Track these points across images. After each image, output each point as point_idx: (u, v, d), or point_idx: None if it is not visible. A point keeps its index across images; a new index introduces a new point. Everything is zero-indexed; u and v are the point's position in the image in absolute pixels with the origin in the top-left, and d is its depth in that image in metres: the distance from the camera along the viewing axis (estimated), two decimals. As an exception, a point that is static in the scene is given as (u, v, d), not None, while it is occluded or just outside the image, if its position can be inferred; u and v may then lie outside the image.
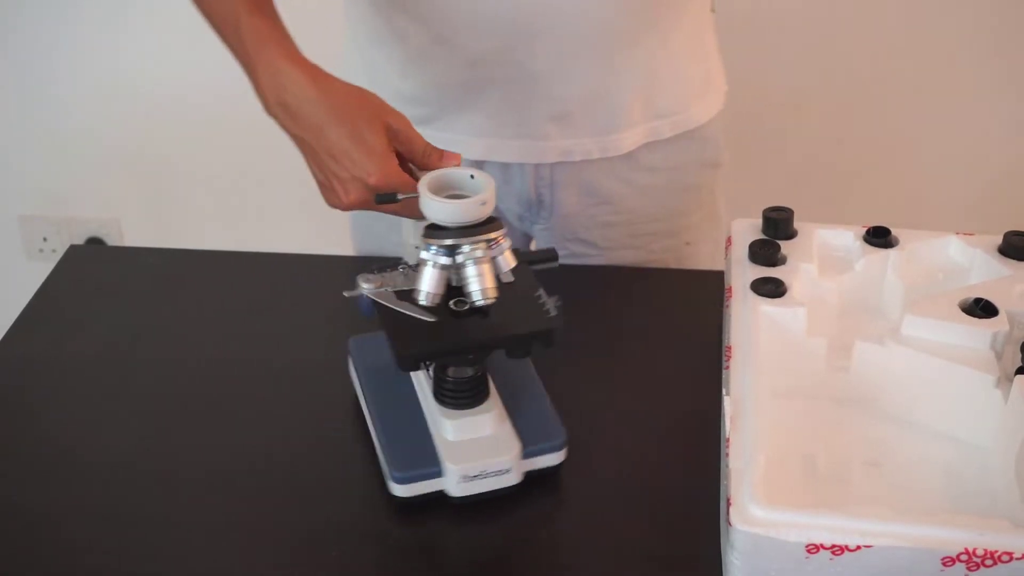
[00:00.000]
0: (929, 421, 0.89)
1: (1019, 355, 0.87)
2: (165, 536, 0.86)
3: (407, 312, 0.85)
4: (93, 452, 0.94)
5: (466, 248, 0.81)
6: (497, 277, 0.83)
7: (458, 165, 0.87)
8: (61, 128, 2.09)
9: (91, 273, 1.21)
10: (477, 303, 0.82)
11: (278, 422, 0.97)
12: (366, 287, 0.86)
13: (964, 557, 0.71)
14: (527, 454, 0.88)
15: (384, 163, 0.85)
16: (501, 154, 1.14)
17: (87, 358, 1.06)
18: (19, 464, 0.93)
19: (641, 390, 1.01)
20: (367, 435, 0.94)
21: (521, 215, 1.22)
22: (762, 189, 1.97)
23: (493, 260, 0.83)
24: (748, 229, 1.04)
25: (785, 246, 1.00)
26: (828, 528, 0.72)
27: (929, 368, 0.87)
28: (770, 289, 0.94)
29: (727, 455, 0.79)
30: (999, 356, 0.87)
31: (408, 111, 0.90)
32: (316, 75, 0.87)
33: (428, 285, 0.82)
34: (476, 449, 0.87)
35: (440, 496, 0.87)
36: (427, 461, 0.86)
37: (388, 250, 1.18)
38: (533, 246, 1.26)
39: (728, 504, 0.75)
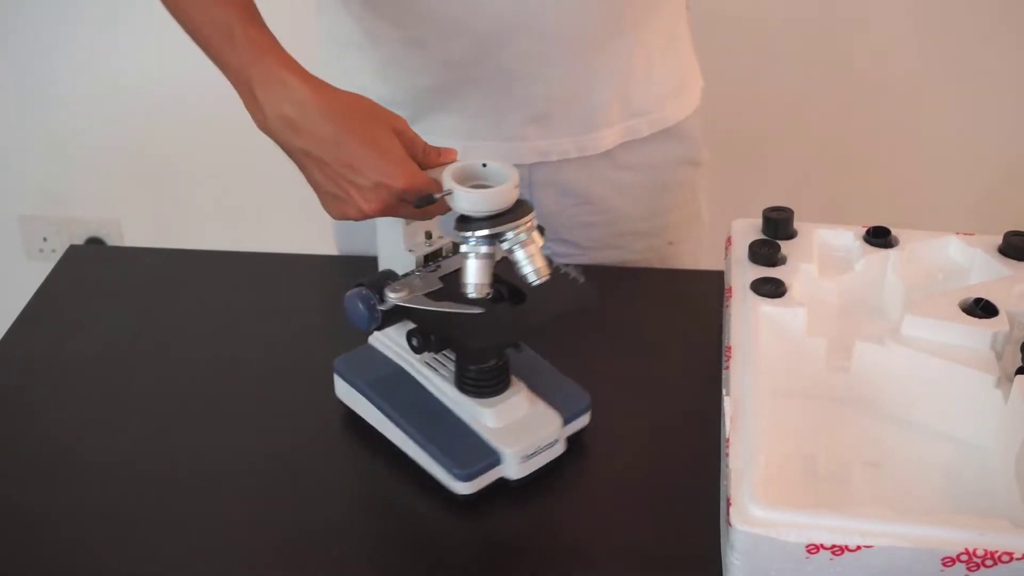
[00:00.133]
0: (929, 421, 0.89)
1: (1019, 355, 0.87)
2: (165, 536, 0.86)
3: (451, 310, 0.85)
4: (93, 452, 0.94)
5: (510, 234, 0.82)
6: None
7: (455, 160, 0.87)
8: (61, 128, 2.09)
9: (91, 273, 1.21)
10: (534, 283, 0.83)
11: (278, 422, 0.97)
12: (394, 297, 0.86)
13: (964, 557, 0.71)
14: (566, 421, 0.91)
15: (407, 166, 0.83)
16: (478, 156, 1.14)
17: (87, 358, 1.06)
18: (19, 464, 0.93)
19: (641, 390, 1.01)
20: (368, 435, 0.94)
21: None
22: (762, 189, 1.98)
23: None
24: (748, 229, 1.04)
25: (785, 246, 1.00)
26: (828, 528, 0.72)
27: (929, 368, 0.87)
28: (770, 289, 0.94)
29: (727, 455, 0.79)
30: (999, 356, 0.87)
31: None
32: (318, 85, 0.85)
33: (474, 277, 0.83)
34: (523, 429, 0.88)
35: (492, 488, 0.88)
36: (483, 453, 0.87)
37: (373, 250, 1.19)
38: None
39: (728, 504, 0.75)
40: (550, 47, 1.06)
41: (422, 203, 0.82)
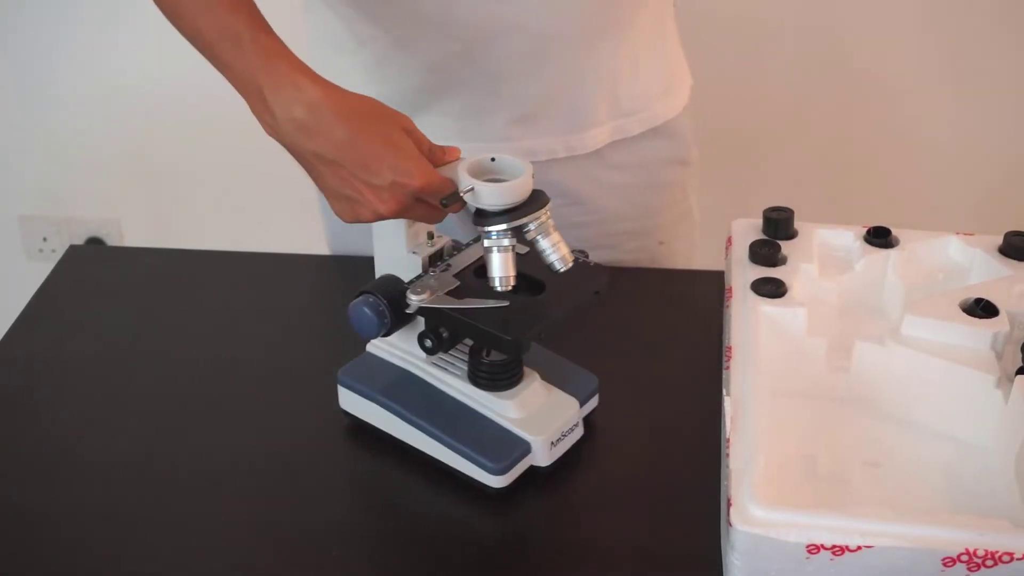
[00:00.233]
0: (929, 421, 0.89)
1: (1019, 355, 0.87)
2: (165, 536, 0.86)
3: (480, 307, 0.85)
4: (93, 452, 0.94)
5: (532, 224, 0.83)
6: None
7: (459, 158, 0.87)
8: (61, 128, 2.09)
9: (91, 273, 1.21)
10: (560, 271, 0.85)
11: (278, 422, 0.97)
12: (417, 299, 0.86)
13: (964, 557, 0.71)
14: (581, 403, 0.92)
15: (422, 163, 0.83)
16: (467, 155, 1.14)
17: (87, 358, 1.06)
18: (19, 464, 0.93)
19: (641, 390, 1.01)
20: (368, 434, 0.94)
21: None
22: (762, 189, 1.98)
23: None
24: (748, 229, 1.04)
25: (785, 246, 1.00)
26: (828, 528, 0.72)
27: (929, 368, 0.87)
28: (770, 289, 0.94)
29: (727, 455, 0.79)
30: (999, 356, 0.87)
31: None
32: (328, 88, 0.84)
33: (500, 271, 0.84)
34: (545, 416, 0.90)
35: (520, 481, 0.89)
36: (513, 444, 0.88)
37: (366, 250, 1.19)
38: None
39: (728, 504, 0.75)
40: (537, 47, 1.06)
41: (450, 202, 0.82)
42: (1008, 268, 0.97)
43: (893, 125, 1.96)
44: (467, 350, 0.91)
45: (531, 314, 0.86)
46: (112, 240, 2.20)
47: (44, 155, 2.13)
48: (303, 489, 0.90)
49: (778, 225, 1.02)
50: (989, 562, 0.71)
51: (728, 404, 0.83)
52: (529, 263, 0.88)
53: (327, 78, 0.95)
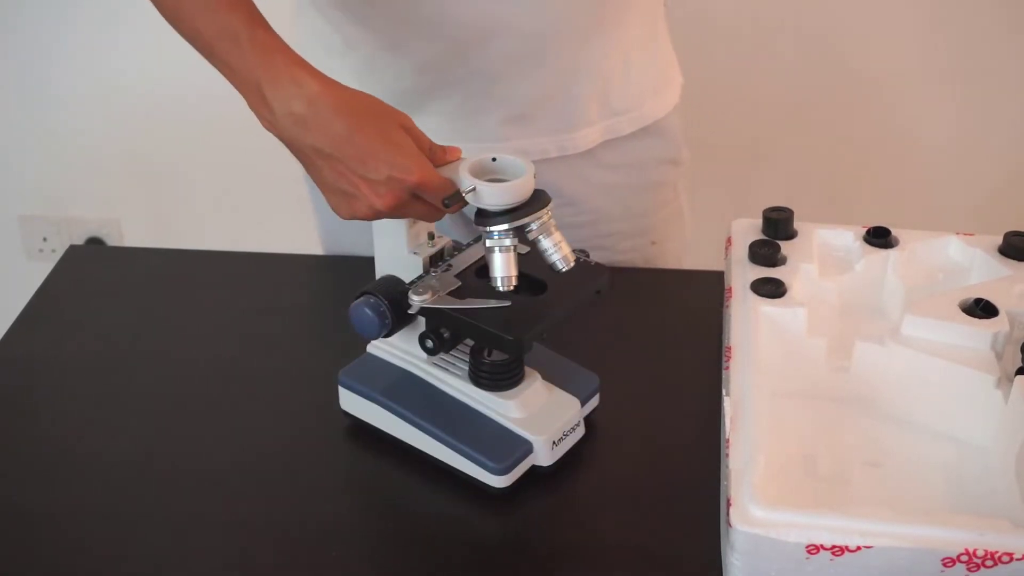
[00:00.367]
0: (929, 421, 0.89)
1: (1019, 355, 0.87)
2: (165, 536, 0.86)
3: (482, 307, 0.85)
4: (93, 452, 0.94)
5: (535, 224, 0.83)
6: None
7: (460, 157, 0.87)
8: (61, 128, 2.09)
9: (91, 273, 1.21)
10: (563, 270, 0.85)
11: (278, 422, 0.97)
12: (419, 300, 0.86)
13: (964, 558, 0.71)
14: (583, 403, 0.93)
15: (421, 159, 0.83)
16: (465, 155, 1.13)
17: (87, 358, 1.06)
18: (19, 464, 0.93)
19: (641, 391, 1.01)
20: (369, 434, 0.94)
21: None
22: (762, 189, 1.98)
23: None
24: (748, 229, 1.04)
25: (785, 246, 1.00)
26: (828, 528, 0.72)
27: (929, 368, 0.87)
28: (770, 289, 0.94)
29: (727, 455, 0.79)
30: (999, 356, 0.87)
31: None
32: (327, 82, 0.84)
33: (502, 271, 0.84)
34: (547, 416, 0.90)
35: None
36: (515, 443, 0.88)
37: (359, 251, 1.19)
38: None
39: (728, 504, 0.75)
40: (528, 47, 1.06)
41: (452, 202, 0.82)
42: (1008, 268, 0.97)
43: (893, 125, 1.96)
44: (468, 350, 0.91)
45: (533, 314, 0.86)
46: (112, 240, 2.20)
47: (44, 155, 2.13)
48: (303, 489, 0.90)
49: (778, 225, 1.02)
50: (989, 562, 0.71)
51: (728, 404, 0.83)
52: (530, 263, 0.88)
53: None
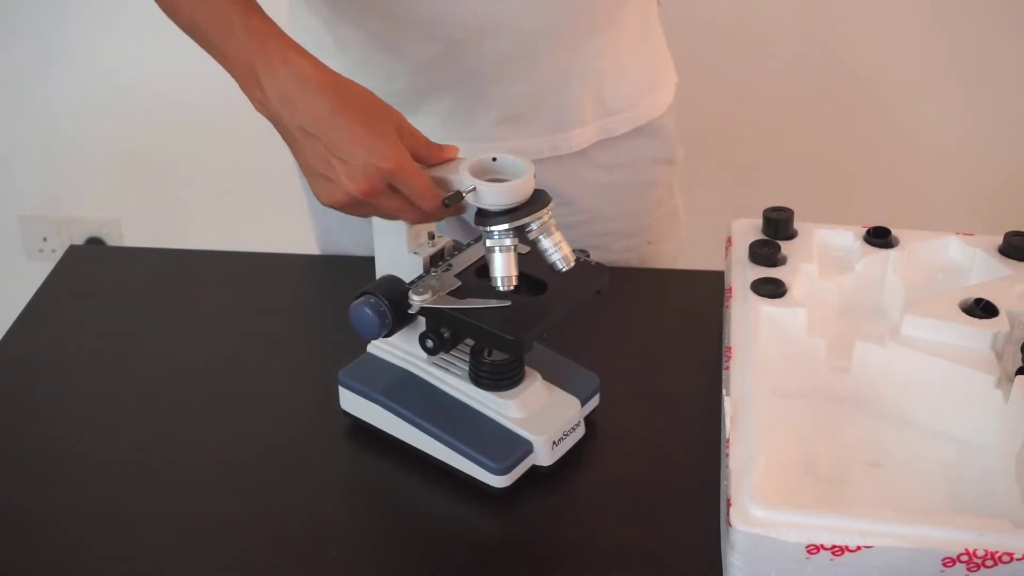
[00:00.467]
0: (929, 421, 0.89)
1: (1019, 355, 0.87)
2: (165, 536, 0.86)
3: (482, 307, 0.86)
4: (93, 452, 0.94)
5: (535, 224, 0.84)
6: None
7: (456, 156, 0.87)
8: (61, 128, 2.09)
9: (91, 273, 1.21)
10: (563, 270, 0.85)
11: (278, 422, 0.97)
12: (419, 300, 0.86)
13: (964, 558, 0.71)
14: (582, 403, 0.93)
15: (398, 147, 0.83)
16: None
17: (87, 358, 1.06)
18: (19, 464, 0.93)
19: (640, 391, 1.01)
20: (369, 433, 0.94)
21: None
22: (762, 189, 1.98)
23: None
24: (748, 229, 1.04)
25: (785, 246, 1.00)
26: (828, 528, 0.72)
27: (929, 368, 0.87)
28: (770, 289, 0.94)
29: (727, 455, 0.79)
30: (999, 356, 0.87)
31: None
32: (321, 66, 0.85)
33: (502, 271, 0.84)
34: (547, 416, 0.90)
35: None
36: (515, 443, 0.88)
37: (355, 251, 1.19)
38: None
39: (728, 504, 0.75)
40: (522, 48, 1.06)
41: (452, 201, 0.83)
42: (1008, 268, 0.97)
43: (893, 125, 1.96)
44: (468, 350, 0.91)
45: (533, 314, 0.86)
46: (112, 240, 2.20)
47: (44, 155, 2.13)
48: (303, 489, 0.90)
49: (778, 225, 1.02)
50: (989, 562, 0.71)
51: (728, 404, 0.83)
52: (530, 262, 0.88)
53: None
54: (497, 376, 0.89)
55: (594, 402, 0.95)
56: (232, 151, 2.02)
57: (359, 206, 0.85)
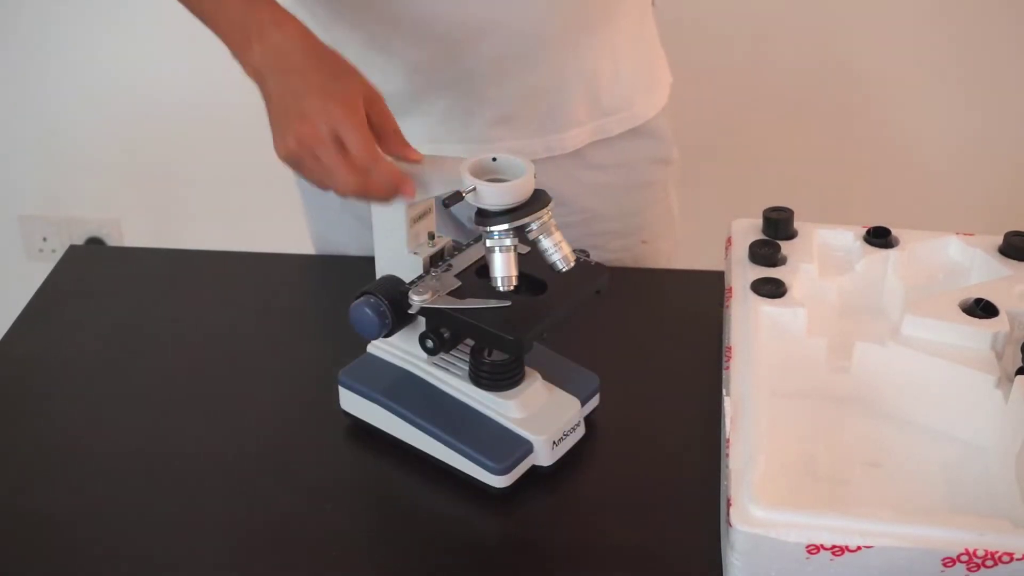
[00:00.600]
0: (929, 421, 0.89)
1: (1019, 355, 0.87)
2: (164, 536, 0.86)
3: (481, 307, 0.86)
4: (93, 452, 0.94)
5: (535, 224, 0.84)
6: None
7: (419, 160, 0.87)
8: (61, 128, 2.09)
9: (91, 273, 1.21)
10: (563, 270, 0.85)
11: (278, 423, 0.97)
12: (419, 300, 0.86)
13: (964, 558, 0.71)
14: (582, 403, 0.93)
15: (354, 103, 0.84)
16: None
17: (87, 358, 1.06)
18: (19, 464, 0.93)
19: (640, 390, 1.01)
20: (370, 433, 0.94)
21: (473, 218, 1.22)
22: (762, 189, 1.98)
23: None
24: (748, 229, 1.04)
25: (785, 246, 1.00)
26: (828, 528, 0.72)
27: (929, 368, 0.87)
28: (770, 289, 0.94)
29: (727, 455, 0.79)
30: (999, 356, 0.87)
31: None
32: (307, 30, 0.88)
33: (502, 271, 0.84)
34: (547, 416, 0.90)
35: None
36: (515, 443, 0.88)
37: (350, 251, 1.19)
38: None
39: (728, 504, 0.75)
40: (517, 48, 1.06)
41: (452, 202, 0.83)
42: (1008, 268, 0.97)
43: (893, 125, 1.96)
44: (468, 350, 0.91)
45: (533, 314, 0.86)
46: (112, 240, 2.20)
47: (44, 155, 2.13)
48: (303, 489, 0.90)
49: (778, 225, 1.02)
50: (989, 562, 0.71)
51: (728, 404, 0.83)
52: (529, 262, 0.88)
53: None
54: (497, 376, 0.89)
55: (594, 402, 0.95)
56: (232, 151, 2.02)
57: (304, 158, 0.85)
